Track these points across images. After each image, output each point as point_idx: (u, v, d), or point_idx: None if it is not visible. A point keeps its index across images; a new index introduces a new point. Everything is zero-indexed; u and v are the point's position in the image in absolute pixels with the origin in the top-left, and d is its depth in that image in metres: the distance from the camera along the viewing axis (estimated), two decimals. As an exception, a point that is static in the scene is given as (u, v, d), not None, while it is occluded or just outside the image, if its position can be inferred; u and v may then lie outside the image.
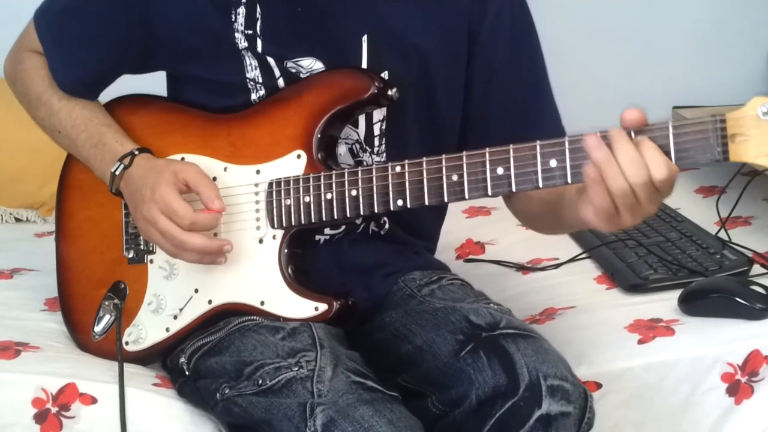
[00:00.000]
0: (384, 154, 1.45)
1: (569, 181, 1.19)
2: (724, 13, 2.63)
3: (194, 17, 1.42)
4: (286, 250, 1.39)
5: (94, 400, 1.43)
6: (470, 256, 2.02)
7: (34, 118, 1.57)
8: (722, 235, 1.94)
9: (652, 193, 1.15)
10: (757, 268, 1.78)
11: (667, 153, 1.13)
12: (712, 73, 2.59)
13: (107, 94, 1.56)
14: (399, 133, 1.45)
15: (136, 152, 1.43)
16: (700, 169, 2.49)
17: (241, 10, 1.41)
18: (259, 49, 1.41)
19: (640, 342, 1.56)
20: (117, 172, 1.42)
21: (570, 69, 2.54)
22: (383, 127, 1.44)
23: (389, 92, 1.37)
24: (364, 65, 1.41)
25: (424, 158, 1.28)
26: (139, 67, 1.52)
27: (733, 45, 2.63)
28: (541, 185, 1.21)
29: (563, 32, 2.57)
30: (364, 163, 1.44)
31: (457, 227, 2.09)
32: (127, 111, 1.53)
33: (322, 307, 1.36)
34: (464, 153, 1.25)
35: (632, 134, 1.15)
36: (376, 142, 1.45)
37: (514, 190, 1.23)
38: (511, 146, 1.22)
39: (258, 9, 1.41)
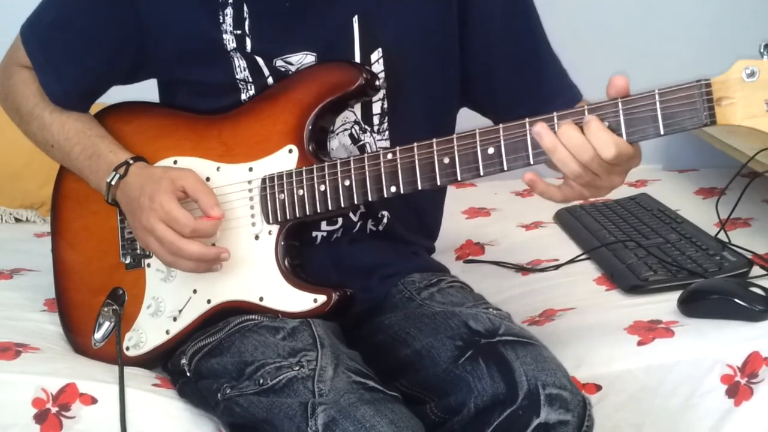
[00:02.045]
0: (387, 132, 1.46)
1: None
2: (724, 13, 2.63)
3: (183, 22, 1.43)
4: (282, 244, 1.39)
5: (94, 401, 1.43)
6: (470, 257, 2.02)
7: (25, 133, 1.57)
8: (722, 236, 1.93)
9: (608, 168, 1.19)
10: (756, 270, 1.77)
11: (654, 119, 1.15)
12: (711, 73, 2.58)
13: (100, 101, 1.56)
14: (401, 109, 1.46)
15: (131, 161, 1.43)
16: (699, 170, 2.50)
17: (229, 10, 1.41)
18: (248, 48, 1.42)
19: (640, 343, 1.55)
20: (113, 182, 1.42)
21: (570, 68, 2.53)
22: (385, 105, 1.45)
23: (377, 83, 1.37)
24: (357, 46, 1.42)
25: (415, 143, 1.29)
26: (130, 76, 1.53)
27: (732, 45, 2.62)
28: (532, 162, 1.22)
29: (564, 32, 2.55)
30: (367, 146, 1.44)
31: (456, 228, 2.09)
32: (117, 119, 1.53)
33: (321, 298, 1.36)
34: (455, 135, 1.26)
35: (586, 113, 1.18)
36: (376, 121, 1.45)
37: (505, 168, 1.24)
38: (501, 125, 1.23)
39: (245, 8, 1.41)
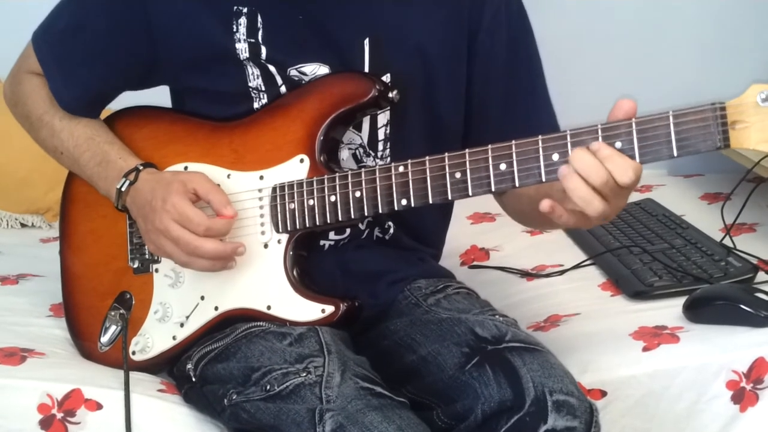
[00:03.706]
0: (388, 158, 1.46)
1: None
2: (727, 17, 2.64)
3: (196, 30, 1.43)
4: (291, 254, 1.39)
5: (99, 406, 1.43)
6: (475, 263, 2.02)
7: (35, 140, 1.57)
8: (727, 242, 1.93)
9: (618, 192, 1.18)
10: (762, 275, 1.77)
11: (668, 142, 1.14)
12: (714, 76, 2.59)
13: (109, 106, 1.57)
14: (403, 135, 1.46)
15: (141, 167, 1.43)
16: (704, 175, 2.50)
17: (243, 20, 1.41)
18: (263, 57, 1.42)
19: (645, 349, 1.55)
20: (123, 189, 1.43)
21: (573, 71, 2.54)
22: (388, 131, 1.45)
23: (390, 94, 1.37)
24: (367, 69, 1.42)
25: (427, 157, 1.28)
26: (141, 83, 1.53)
27: (735, 48, 2.63)
28: (544, 179, 1.21)
29: (567, 35, 2.57)
30: (375, 165, 1.44)
31: (461, 233, 2.09)
32: (128, 123, 1.53)
33: (329, 309, 1.37)
34: (467, 150, 1.26)
35: (599, 136, 1.17)
36: (380, 147, 1.45)
37: (517, 185, 1.23)
38: (513, 142, 1.23)
39: (259, 19, 1.41)
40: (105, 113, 1.57)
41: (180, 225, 1.35)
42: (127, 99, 1.57)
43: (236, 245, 1.37)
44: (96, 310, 1.54)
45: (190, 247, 1.35)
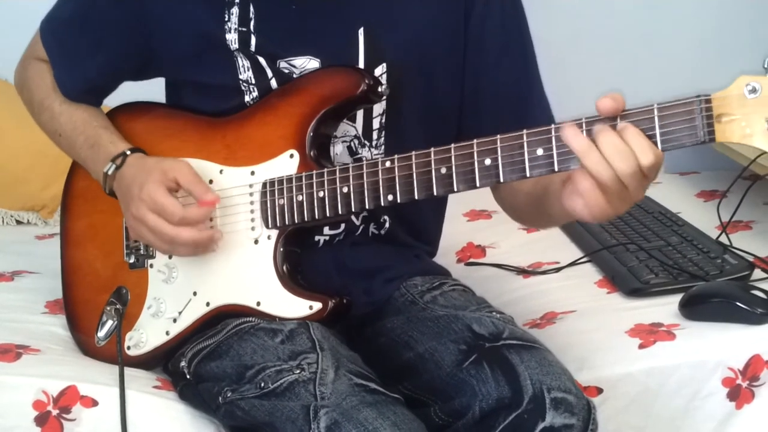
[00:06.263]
0: (383, 147, 1.45)
1: (556, 168, 1.18)
2: (725, 15, 2.64)
3: (188, 21, 1.43)
4: (281, 250, 1.39)
5: (94, 403, 1.43)
6: (471, 260, 2.02)
7: (37, 123, 1.60)
8: (723, 239, 1.94)
9: (640, 179, 1.15)
10: (758, 273, 1.78)
11: (652, 136, 1.12)
12: (712, 75, 2.58)
13: (110, 101, 1.59)
14: (398, 124, 1.45)
15: (128, 152, 1.44)
16: (700, 173, 2.50)
17: (235, 10, 1.42)
18: (252, 47, 1.42)
19: (641, 346, 1.56)
20: (109, 173, 1.44)
21: (571, 70, 2.54)
22: (383, 120, 1.45)
23: (380, 88, 1.37)
24: (362, 58, 1.41)
25: (414, 152, 1.28)
26: (139, 74, 1.54)
27: (733, 47, 2.63)
28: (528, 174, 1.20)
29: (565, 33, 2.57)
30: (363, 160, 1.44)
31: (457, 230, 2.09)
32: (127, 118, 1.55)
33: (317, 305, 1.36)
34: (452, 145, 1.25)
35: (618, 119, 1.14)
36: (375, 136, 1.45)
37: (501, 180, 1.22)
38: (498, 136, 1.22)
39: (251, 9, 1.41)
40: (104, 109, 1.58)
41: (156, 214, 1.36)
42: (125, 94, 1.58)
43: (211, 233, 1.38)
44: (93, 304, 1.54)
45: (166, 237, 1.36)
